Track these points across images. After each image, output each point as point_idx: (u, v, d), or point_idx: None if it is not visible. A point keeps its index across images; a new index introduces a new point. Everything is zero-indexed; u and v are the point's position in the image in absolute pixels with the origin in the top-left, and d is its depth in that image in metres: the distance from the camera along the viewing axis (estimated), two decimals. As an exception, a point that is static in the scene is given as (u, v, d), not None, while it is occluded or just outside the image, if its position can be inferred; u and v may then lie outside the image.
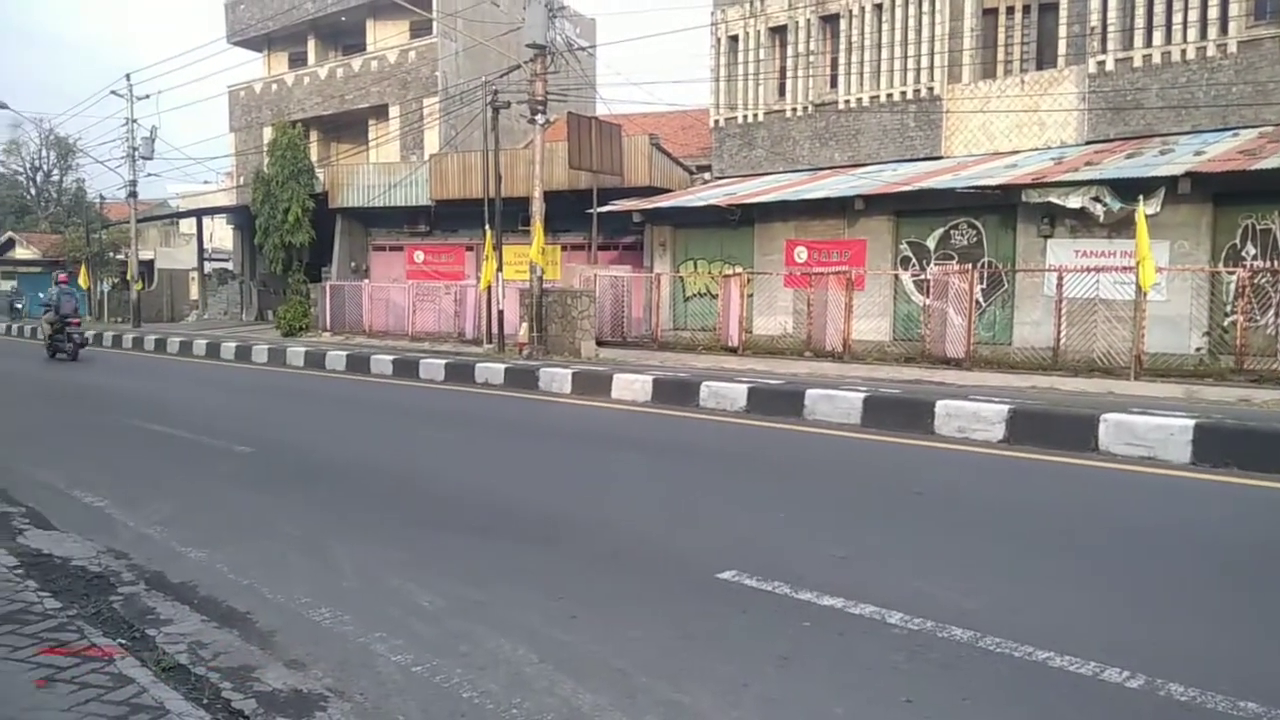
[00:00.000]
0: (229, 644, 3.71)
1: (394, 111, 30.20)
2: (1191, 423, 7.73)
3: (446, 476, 7.37)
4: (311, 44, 33.59)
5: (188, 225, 42.76)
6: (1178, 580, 4.69)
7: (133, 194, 32.69)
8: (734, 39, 21.25)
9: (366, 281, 26.44)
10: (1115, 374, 13.21)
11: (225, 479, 7.23)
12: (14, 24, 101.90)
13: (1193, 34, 15.53)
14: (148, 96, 31.98)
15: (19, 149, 59.90)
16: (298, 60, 34.19)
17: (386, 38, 30.88)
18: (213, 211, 36.35)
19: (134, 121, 32.01)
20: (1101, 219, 14.67)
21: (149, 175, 33.02)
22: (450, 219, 26.75)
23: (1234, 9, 15.16)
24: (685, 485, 7.08)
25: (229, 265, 39.88)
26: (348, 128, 32.48)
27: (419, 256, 27.73)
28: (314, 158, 30.03)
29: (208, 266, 38.53)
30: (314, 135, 32.29)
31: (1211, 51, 15.40)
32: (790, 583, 4.38)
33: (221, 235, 44.00)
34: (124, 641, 3.64)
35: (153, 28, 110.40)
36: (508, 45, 23.00)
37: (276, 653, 3.66)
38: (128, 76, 31.92)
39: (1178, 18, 15.64)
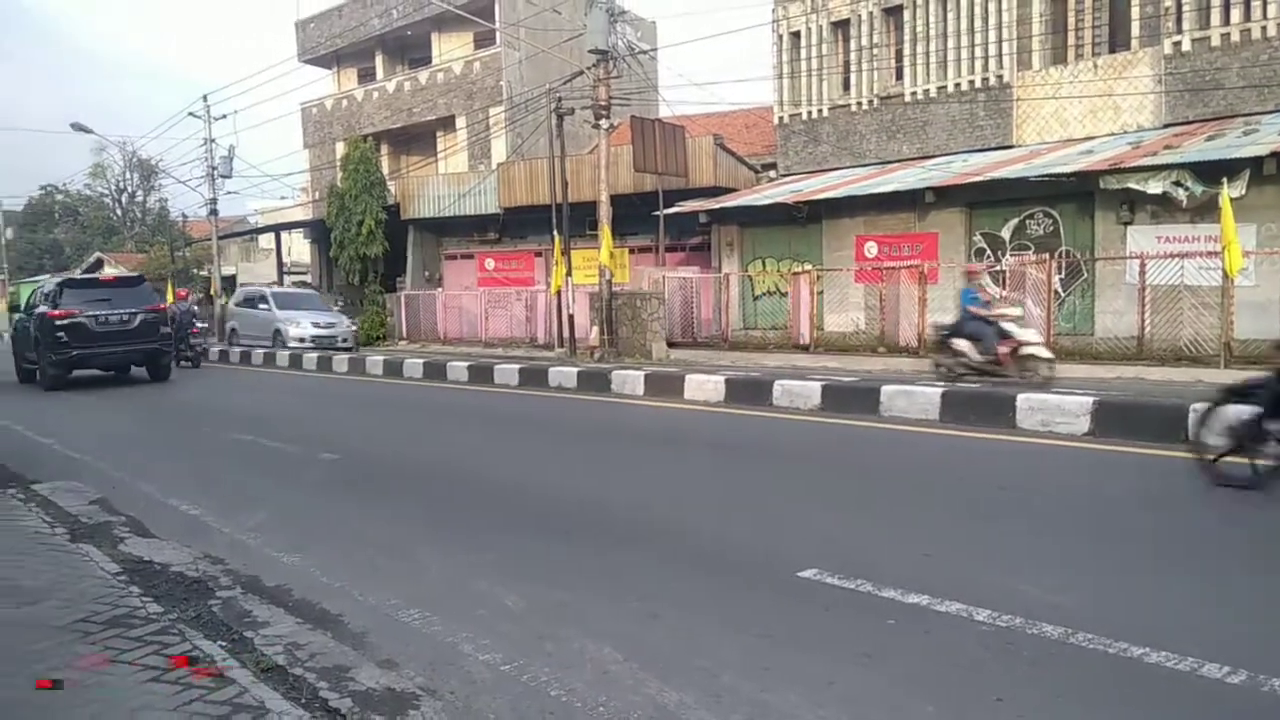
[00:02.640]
0: (323, 645, 3.83)
1: (461, 122, 30.68)
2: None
3: (525, 480, 7.47)
4: (379, 59, 34.31)
5: (267, 240, 44.02)
6: (1276, 575, 4.54)
7: (213, 211, 33.73)
8: (795, 35, 21.11)
9: (440, 290, 26.90)
10: (1204, 362, 12.79)
11: (313, 486, 7.44)
12: (97, 51, 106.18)
13: (1273, 9, 14.94)
14: (224, 117, 32.93)
15: (104, 172, 62.39)
16: (366, 75, 34.96)
17: (451, 50, 31.40)
18: (290, 226, 37.35)
19: (212, 141, 33.01)
20: (1184, 203, 14.21)
21: (228, 193, 34.04)
22: (519, 226, 27.08)
23: (1317, -19, 14.58)
24: (763, 485, 7.07)
25: (307, 278, 40.91)
26: (417, 140, 33.10)
27: (489, 264, 28.11)
28: (385, 171, 30.67)
29: (286, 280, 39.57)
30: (384, 149, 32.96)
31: (1294, 26, 14.81)
32: (873, 580, 4.35)
33: (299, 249, 45.14)
34: (224, 644, 3.78)
35: (229, 48, 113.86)
36: (570, 52, 23.19)
37: (369, 653, 3.77)
38: (205, 98, 32.92)
39: (1258, -8, 15.08)
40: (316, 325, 23.49)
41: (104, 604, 4.24)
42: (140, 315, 16.29)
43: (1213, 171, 13.48)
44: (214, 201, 33.12)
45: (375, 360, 18.69)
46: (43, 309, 16.01)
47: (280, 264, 38.08)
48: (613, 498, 6.68)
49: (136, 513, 6.38)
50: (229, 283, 41.35)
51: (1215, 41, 15.57)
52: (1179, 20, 15.90)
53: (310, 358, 20.45)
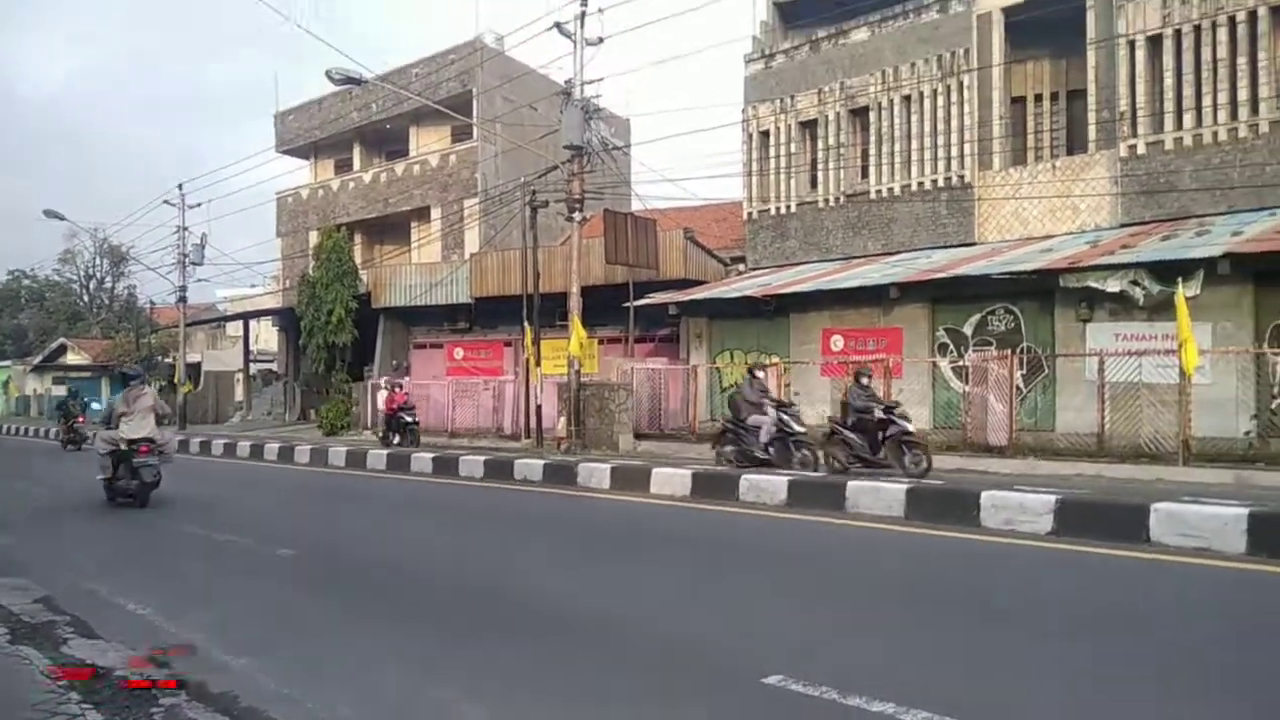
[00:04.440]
0: (269, 758, 3.68)
1: (435, 213, 31.02)
2: (1245, 511, 7.52)
3: (488, 580, 7.33)
4: (357, 150, 34.79)
5: (234, 328, 43.80)
6: (1249, 675, 4.52)
7: (182, 299, 33.67)
8: (765, 134, 21.70)
9: (407, 379, 26.79)
10: (1163, 460, 12.93)
11: (268, 584, 7.25)
12: (72, 133, 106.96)
13: (1223, 116, 15.59)
14: (199, 205, 33.18)
15: (74, 258, 62.13)
16: (343, 166, 35.39)
17: (429, 143, 31.94)
18: (259, 314, 37.26)
19: (185, 229, 33.15)
20: (1141, 302, 14.55)
21: (199, 280, 34.08)
22: (489, 315, 27.18)
23: (1264, 90, 15.24)
24: (729, 584, 6.98)
25: (273, 366, 40.66)
26: (391, 230, 33.39)
27: (459, 353, 28.10)
28: (358, 260, 30.83)
29: (253, 368, 39.30)
30: (358, 238, 33.20)
31: (1244, 132, 15.44)
32: (839, 687, 4.27)
33: (267, 337, 44.97)
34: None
35: (207, 136, 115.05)
36: (545, 146, 23.65)
37: (316, 767, 3.62)
38: (180, 186, 33.21)
39: (1207, 100, 15.73)
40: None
41: (41, 711, 4.07)
42: None
43: (1168, 271, 13.83)
44: (184, 289, 33.06)
45: (339, 451, 18.48)
46: None
47: (247, 352, 37.85)
48: (578, 598, 6.55)
49: (81, 611, 6.16)
50: (194, 370, 41.01)
51: (1169, 145, 16.17)
52: (1134, 125, 16.52)
53: (271, 448, 20.18)
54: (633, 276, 21.87)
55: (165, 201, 33.51)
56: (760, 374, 14.63)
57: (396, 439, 20.30)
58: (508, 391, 23.19)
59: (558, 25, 18.59)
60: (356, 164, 34.59)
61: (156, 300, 45.30)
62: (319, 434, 25.94)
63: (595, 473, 13.31)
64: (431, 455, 16.47)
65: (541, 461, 14.64)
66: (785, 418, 13.39)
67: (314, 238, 32.08)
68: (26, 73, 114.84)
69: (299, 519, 11.27)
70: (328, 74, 18.07)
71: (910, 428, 12.84)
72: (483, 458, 15.64)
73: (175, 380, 35.49)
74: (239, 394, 40.40)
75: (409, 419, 20.39)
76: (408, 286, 28.33)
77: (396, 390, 20.98)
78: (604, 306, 22.51)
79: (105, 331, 53.31)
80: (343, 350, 28.44)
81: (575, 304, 18.68)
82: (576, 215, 18.72)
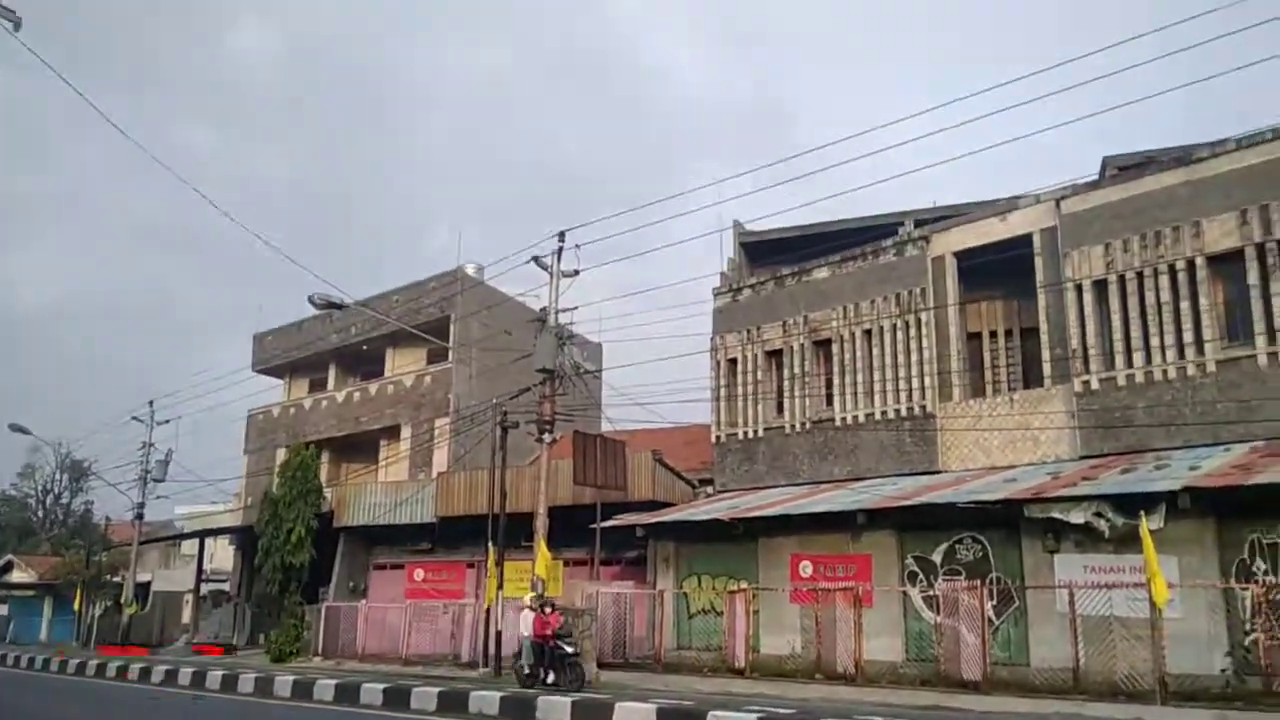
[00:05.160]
0: None
1: (406, 432, 31.13)
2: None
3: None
4: (332, 370, 35.31)
5: (190, 545, 42.58)
6: None
7: (139, 516, 32.90)
8: (733, 362, 22.34)
9: (363, 602, 25.87)
10: (1141, 698, 12.54)
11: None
12: (43, 346, 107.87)
13: (1171, 354, 16.29)
14: (168, 421, 33.05)
15: (34, 472, 61.02)
16: (318, 384, 35.77)
17: (405, 364, 32.53)
18: (216, 533, 36.34)
19: (151, 445, 32.88)
20: (1106, 534, 14.54)
21: (159, 497, 33.42)
22: (453, 536, 26.67)
23: (1208, 331, 16.00)
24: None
25: (225, 587, 39.22)
26: (359, 448, 33.33)
27: (419, 575, 27.33)
28: (324, 477, 30.52)
29: (205, 588, 37.86)
30: (325, 456, 33.03)
31: (1192, 371, 16.09)
32: None
33: (222, 556, 43.59)
34: None
35: (182, 352, 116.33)
36: (519, 368, 24.13)
37: None
38: (150, 403, 33.23)
39: (1155, 340, 16.49)
40: None
41: None
42: None
43: (1131, 504, 13.91)
44: (142, 506, 32.42)
45: (285, 681, 17.50)
46: None
47: (200, 571, 36.58)
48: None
49: None
50: (143, 589, 39.52)
51: (1121, 381, 16.78)
52: (1086, 362, 17.19)
53: (215, 675, 19.12)
54: (600, 498, 21.75)
55: (134, 418, 33.43)
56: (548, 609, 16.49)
57: (551, 676, 15.89)
58: (467, 616, 22.40)
59: (535, 259, 19.44)
60: (331, 383, 35.01)
61: (113, 516, 44.25)
62: (267, 660, 24.67)
63: (555, 708, 12.70)
64: (383, 686, 15.63)
65: (499, 694, 13.93)
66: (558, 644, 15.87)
67: (281, 455, 31.87)
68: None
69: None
70: (310, 299, 18.54)
71: (570, 648, 15.84)
72: (437, 689, 14.86)
73: (121, 600, 34.08)
74: (186, 615, 38.70)
75: (569, 649, 16.01)
76: (372, 505, 27.93)
77: (549, 612, 16.52)
78: (571, 527, 22.21)
79: (56, 548, 51.61)
80: (299, 570, 27.53)
81: (542, 525, 18.43)
82: (546, 436, 18.84)
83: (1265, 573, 13.58)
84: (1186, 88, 13.47)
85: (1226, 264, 16.19)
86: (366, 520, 27.83)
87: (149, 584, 41.59)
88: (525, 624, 16.73)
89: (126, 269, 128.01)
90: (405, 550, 28.18)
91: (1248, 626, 13.37)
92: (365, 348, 33.71)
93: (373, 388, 32.82)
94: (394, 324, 28.33)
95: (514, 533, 22.56)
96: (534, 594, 17.52)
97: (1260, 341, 15.53)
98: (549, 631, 16.15)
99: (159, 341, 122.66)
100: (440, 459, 29.64)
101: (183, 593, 40.76)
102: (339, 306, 19.83)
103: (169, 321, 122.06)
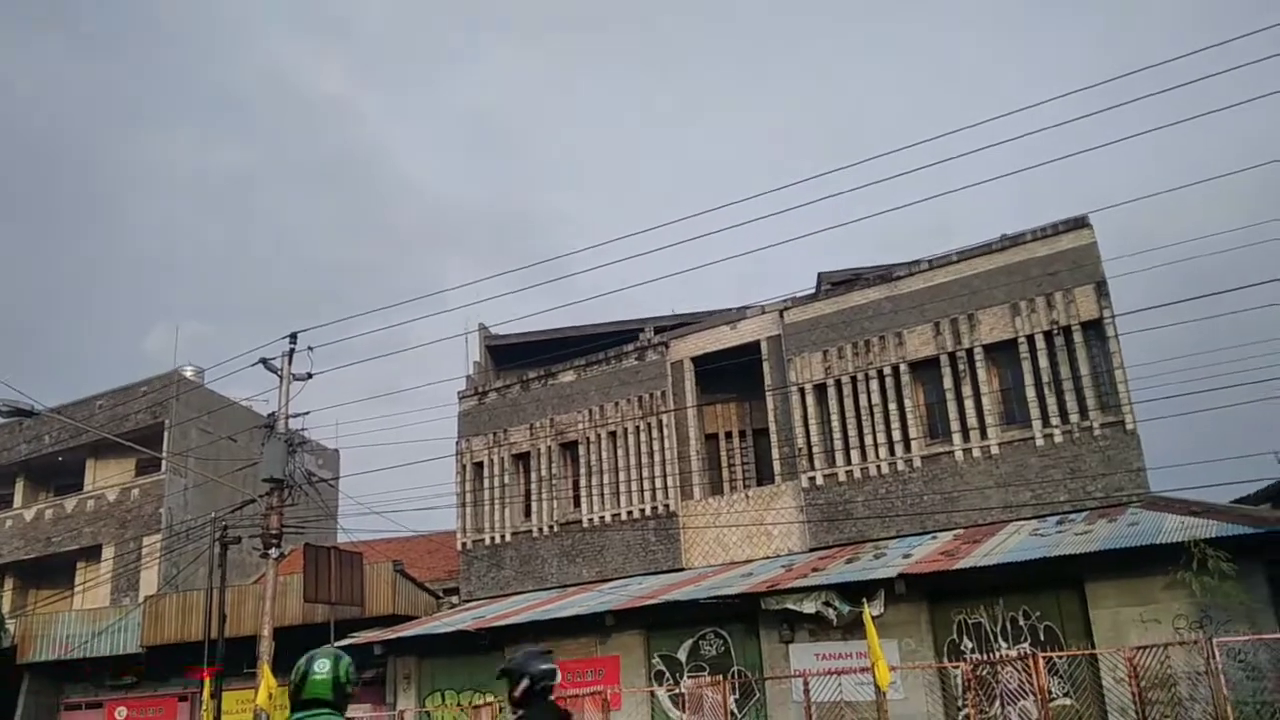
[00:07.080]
0: None
1: (108, 552, 27.84)
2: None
3: None
4: (20, 485, 31.17)
5: None
6: None
7: None
8: (479, 465, 21.95)
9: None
10: (874, 778, 13.11)
11: None
12: None
13: (884, 452, 17.77)
14: None
15: None
16: (3, 502, 31.41)
17: (108, 476, 29.30)
18: None
19: None
20: (835, 622, 15.36)
21: None
22: (164, 666, 23.90)
23: (913, 430, 17.63)
24: None
25: None
26: (51, 573, 29.39)
27: (121, 713, 24.20)
28: (6, 608, 26.59)
29: None
30: (10, 583, 28.91)
31: (901, 466, 17.59)
32: None
33: None
34: None
35: None
36: (243, 478, 22.45)
37: None
38: None
39: (869, 438, 17.93)
40: None
41: None
42: None
43: (855, 592, 14.83)
44: None
45: None
46: None
47: None
48: None
49: None
50: None
51: (842, 477, 18.04)
52: (811, 459, 18.38)
53: None
54: (335, 615, 20.33)
55: None
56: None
57: None
58: (179, 758, 20.02)
59: (263, 361, 18.41)
60: (18, 500, 30.87)
61: None
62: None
63: None
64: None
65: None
66: None
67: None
68: None
69: None
70: (-8, 406, 16.41)
71: None
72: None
73: None
74: None
75: None
76: (65, 638, 24.53)
77: None
78: (301, 649, 20.10)
79: None
80: (-32, 721, 23.62)
81: (266, 648, 16.94)
82: (273, 551, 17.56)
83: (971, 650, 14.82)
84: (884, 214, 15.13)
85: (926, 370, 18.00)
86: (58, 655, 24.35)
87: None
88: None
89: None
90: (105, 686, 24.91)
91: (960, 703, 14.43)
92: (61, 459, 30.10)
93: (69, 504, 29.23)
94: (97, 432, 25.61)
95: (235, 659, 20.58)
96: None
97: (957, 439, 17.27)
98: None
99: None
100: (149, 580, 26.68)
101: None
102: (29, 414, 17.59)
103: None
